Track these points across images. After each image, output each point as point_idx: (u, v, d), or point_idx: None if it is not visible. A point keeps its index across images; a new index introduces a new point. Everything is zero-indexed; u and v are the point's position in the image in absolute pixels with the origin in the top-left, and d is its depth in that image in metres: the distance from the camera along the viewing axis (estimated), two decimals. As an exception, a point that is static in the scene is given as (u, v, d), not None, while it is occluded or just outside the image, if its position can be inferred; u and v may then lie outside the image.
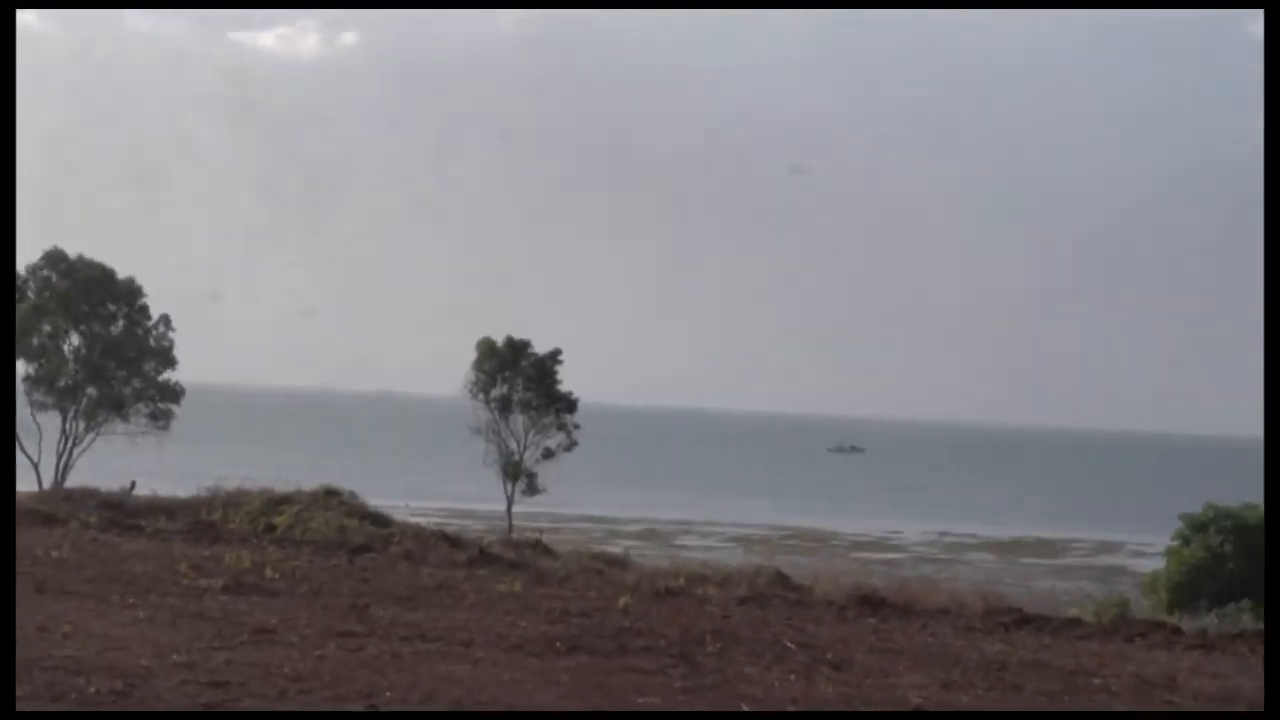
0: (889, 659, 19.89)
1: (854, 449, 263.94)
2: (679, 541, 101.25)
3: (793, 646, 20.21)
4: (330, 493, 38.98)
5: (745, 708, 15.45)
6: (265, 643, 17.52)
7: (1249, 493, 49.11)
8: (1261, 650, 23.59)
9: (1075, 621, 27.04)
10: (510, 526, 71.20)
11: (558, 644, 18.93)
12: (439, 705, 14.37)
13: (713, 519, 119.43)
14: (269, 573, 24.58)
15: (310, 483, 40.08)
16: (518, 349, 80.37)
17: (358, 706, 14.05)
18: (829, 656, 19.52)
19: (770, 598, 27.40)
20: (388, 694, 14.62)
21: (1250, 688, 19.49)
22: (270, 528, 34.12)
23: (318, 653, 16.97)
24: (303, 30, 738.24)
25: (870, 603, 26.75)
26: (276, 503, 37.59)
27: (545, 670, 16.90)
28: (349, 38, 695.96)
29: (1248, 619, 33.08)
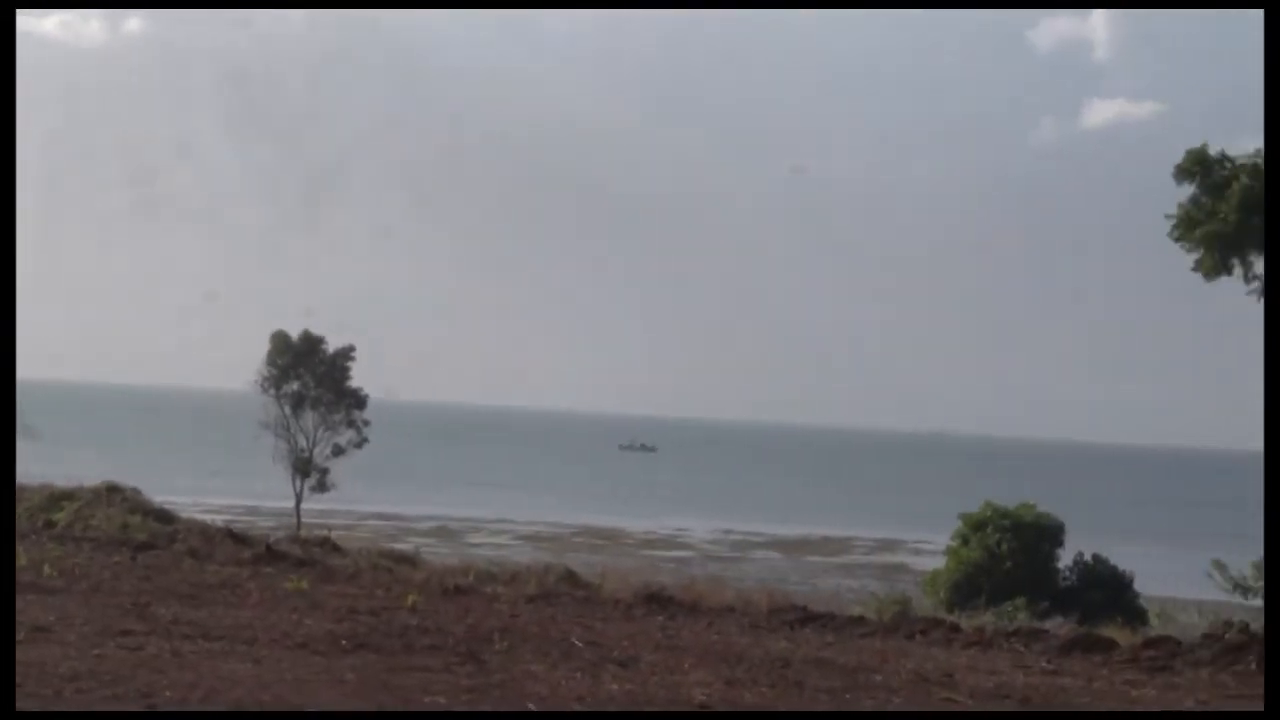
0: (675, 656, 20.05)
1: (645, 447, 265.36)
2: (470, 539, 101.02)
3: (580, 644, 20.29)
4: (113, 489, 38.21)
5: (531, 706, 15.48)
6: (41, 641, 17.14)
7: (1027, 492, 50.53)
8: (1036, 646, 24.27)
9: (858, 619, 27.45)
10: (299, 523, 70.41)
11: (343, 642, 18.79)
12: (220, 705, 14.17)
13: (505, 517, 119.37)
14: (47, 570, 24.03)
15: (95, 478, 39.27)
16: (312, 344, 79.50)
17: (137, 706, 13.81)
18: (615, 654, 19.62)
19: (559, 596, 27.43)
20: (167, 693, 14.40)
21: (1023, 683, 20.04)
22: (49, 524, 33.36)
23: (95, 651, 16.64)
24: (85, 16, 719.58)
25: (658, 601, 26.92)
26: (57, 499, 36.77)
27: (330, 669, 16.77)
28: (133, 24, 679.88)
29: (1023, 616, 33.92)
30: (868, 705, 17.69)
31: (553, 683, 16.98)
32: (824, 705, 17.43)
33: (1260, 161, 30.76)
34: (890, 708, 17.69)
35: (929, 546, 75.64)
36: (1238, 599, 42.71)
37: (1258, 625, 25.06)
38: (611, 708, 15.91)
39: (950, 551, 44.56)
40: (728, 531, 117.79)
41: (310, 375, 78.69)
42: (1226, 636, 23.97)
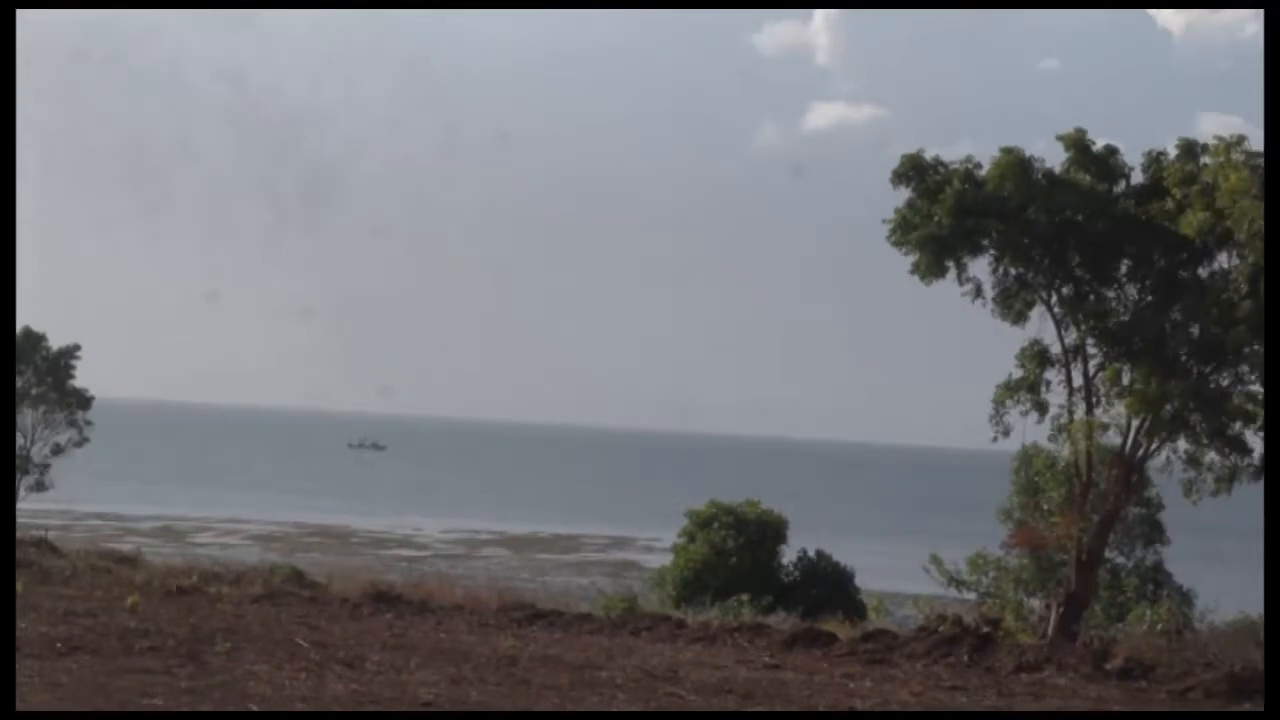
0: (402, 655, 19.97)
1: (375, 446, 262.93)
2: (196, 539, 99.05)
3: (305, 644, 20.09)
4: None
5: (253, 707, 15.27)
6: None
7: (753, 490, 51.37)
8: (760, 641, 24.74)
9: (586, 616, 27.68)
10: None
11: (58, 645, 18.34)
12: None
13: (235, 516, 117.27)
14: None
15: None
16: (33, 341, 77.10)
17: None
18: (341, 654, 19.47)
19: (285, 595, 27.12)
20: None
21: (745, 678, 20.41)
22: None
23: None
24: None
25: (386, 599, 26.79)
26: None
27: (43, 671, 16.34)
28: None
29: (747, 612, 34.50)
30: (593, 702, 17.83)
31: (276, 683, 16.78)
32: (551, 703, 17.51)
33: (970, 167, 31.73)
34: (616, 704, 17.85)
35: (660, 544, 76.36)
36: (953, 593, 44.02)
37: (970, 618, 25.90)
38: (335, 708, 15.78)
39: (677, 549, 45.10)
40: (459, 529, 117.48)
41: (32, 373, 76.42)
42: (940, 630, 24.74)
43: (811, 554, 46.09)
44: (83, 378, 78.08)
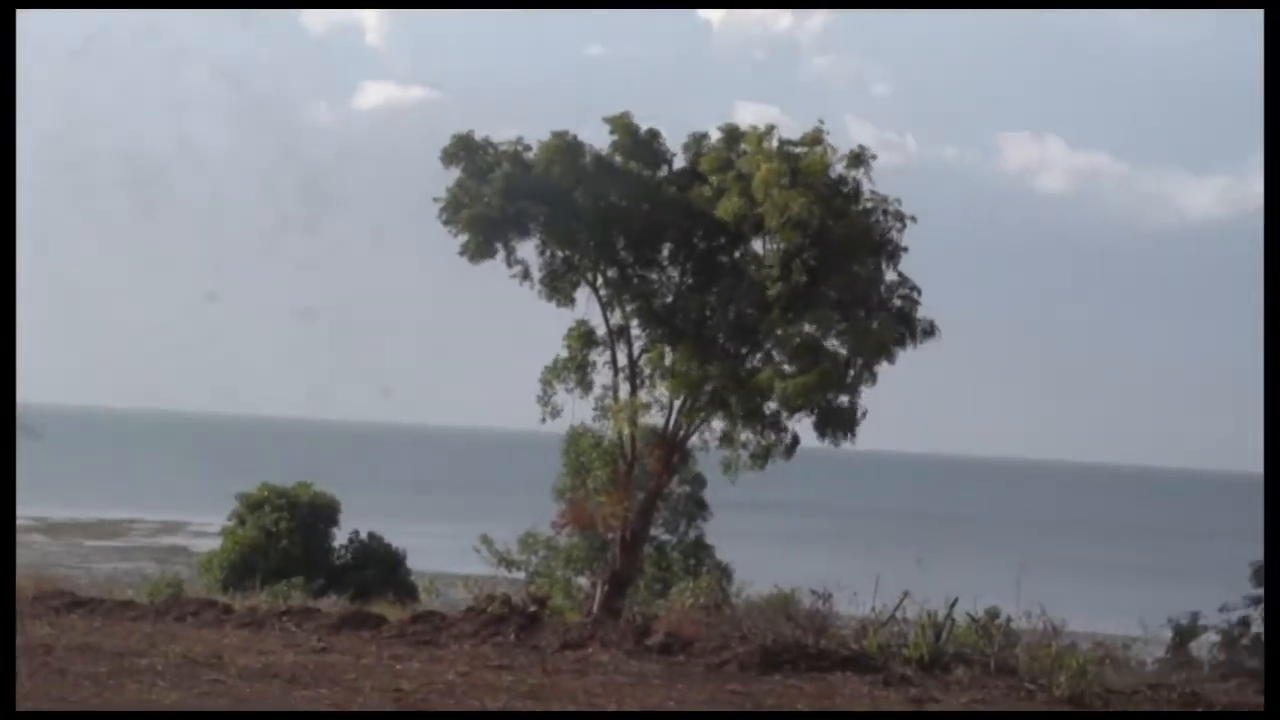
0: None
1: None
2: None
3: None
4: None
5: None
6: None
7: (305, 473, 50.81)
8: (308, 625, 24.58)
9: (128, 603, 27.02)
10: None
11: None
12: None
13: None
14: None
15: None
16: None
17: None
18: None
19: None
20: None
21: (291, 662, 20.30)
22: None
23: None
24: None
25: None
26: None
27: None
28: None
29: (297, 595, 34.21)
30: (133, 690, 17.46)
31: None
32: (87, 691, 17.09)
33: (520, 149, 32.01)
34: (157, 691, 17.53)
35: (212, 528, 74.78)
36: (504, 573, 44.49)
37: (519, 597, 26.29)
38: None
39: (226, 532, 44.34)
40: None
41: None
42: (489, 610, 25.04)
43: (364, 536, 45.96)
44: None
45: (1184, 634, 24.08)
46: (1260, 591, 24.24)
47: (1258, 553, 25.65)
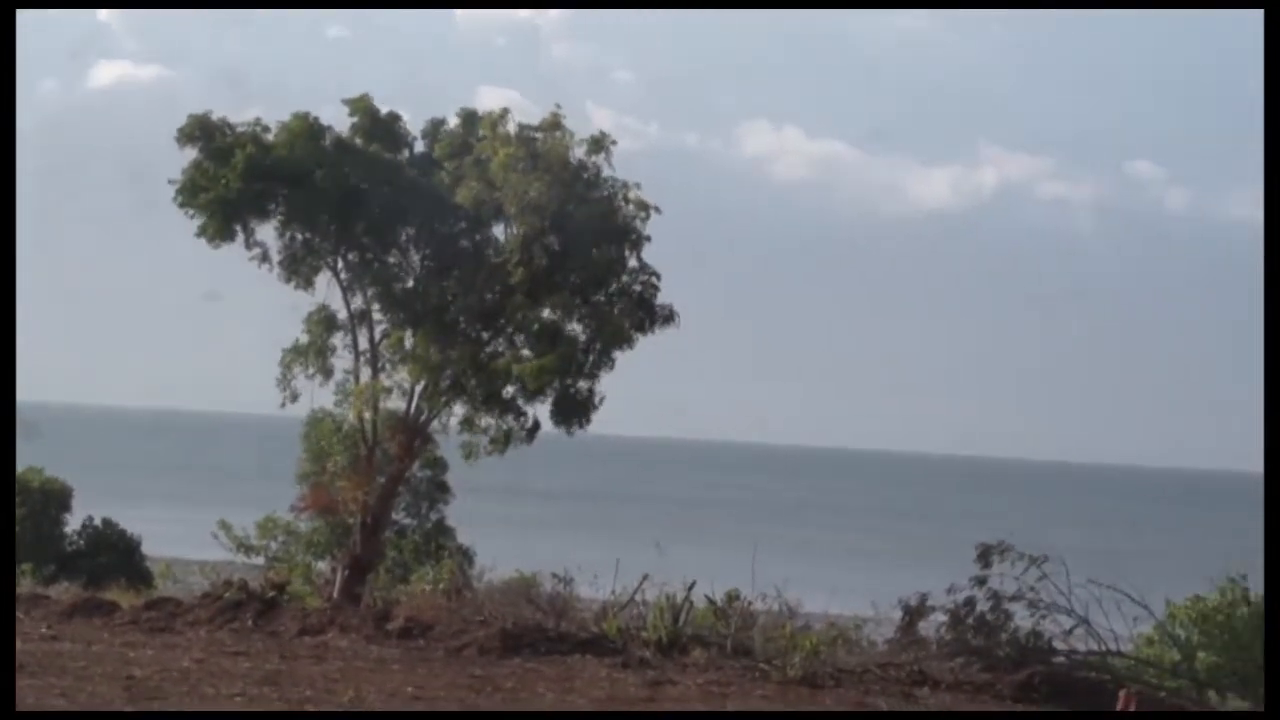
0: None
1: None
2: None
3: None
4: None
5: None
6: None
7: (45, 459, 49.35)
8: (37, 612, 24.02)
9: None
10: None
11: None
12: None
13: None
14: None
15: None
16: None
17: None
18: None
19: None
20: None
21: (20, 650, 19.72)
22: None
23: None
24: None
25: None
26: None
27: None
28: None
29: (28, 582, 33.40)
30: None
31: None
32: None
33: (259, 130, 31.53)
34: None
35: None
36: (241, 558, 43.86)
37: (256, 583, 25.98)
38: None
39: (-50, 519, 43.10)
40: None
41: None
42: (226, 595, 24.73)
43: (98, 522, 44.98)
44: None
45: (913, 614, 24.75)
46: (985, 573, 25.04)
47: (985, 534, 26.53)
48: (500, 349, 31.58)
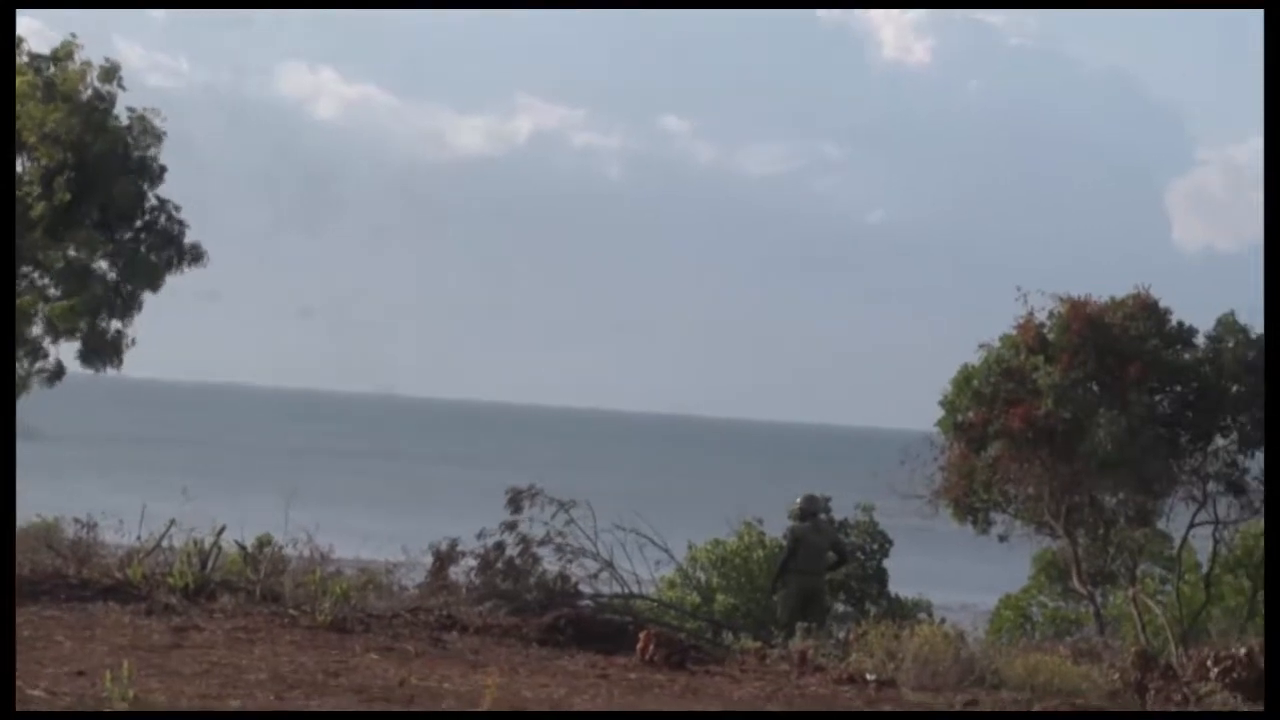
0: None
1: None
2: None
3: None
4: None
5: None
6: None
7: None
8: None
9: None
10: None
11: None
12: None
13: None
14: None
15: None
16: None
17: None
18: None
19: None
20: None
21: None
22: None
23: None
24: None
25: None
26: None
27: None
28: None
29: None
30: None
31: None
32: None
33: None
34: None
35: None
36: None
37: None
38: None
39: None
40: None
41: None
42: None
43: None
44: None
45: (443, 559, 25.14)
46: (515, 518, 25.61)
47: (517, 479, 27.08)
48: (22, 288, 30.48)
